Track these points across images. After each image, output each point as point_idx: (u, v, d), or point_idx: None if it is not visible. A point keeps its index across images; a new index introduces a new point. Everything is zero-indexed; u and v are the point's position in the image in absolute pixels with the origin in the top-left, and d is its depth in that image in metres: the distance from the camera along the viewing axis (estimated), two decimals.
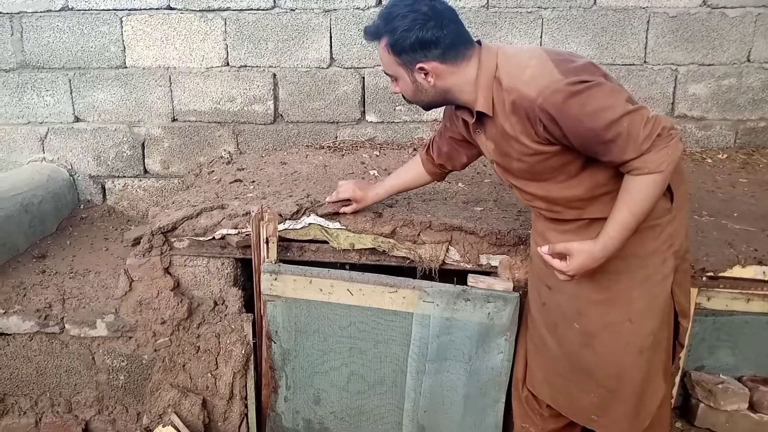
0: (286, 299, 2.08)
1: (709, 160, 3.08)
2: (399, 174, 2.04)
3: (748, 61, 3.09)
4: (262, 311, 2.13)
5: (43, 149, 3.19)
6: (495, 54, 1.46)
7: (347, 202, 2.04)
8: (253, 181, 2.58)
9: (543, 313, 1.73)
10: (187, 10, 3.00)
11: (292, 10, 3.00)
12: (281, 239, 2.11)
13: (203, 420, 2.20)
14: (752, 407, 2.13)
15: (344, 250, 2.13)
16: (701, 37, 3.06)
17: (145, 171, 3.22)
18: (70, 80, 3.09)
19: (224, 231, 2.14)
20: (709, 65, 3.10)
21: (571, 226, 1.57)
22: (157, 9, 3.00)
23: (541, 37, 3.05)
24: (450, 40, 1.44)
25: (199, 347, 2.21)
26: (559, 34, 3.05)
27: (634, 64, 3.10)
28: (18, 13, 3.01)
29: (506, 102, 1.43)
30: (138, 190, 3.24)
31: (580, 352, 1.62)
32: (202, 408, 2.20)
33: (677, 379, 2.10)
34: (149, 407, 2.21)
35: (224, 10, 3.00)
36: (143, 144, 3.18)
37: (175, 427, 2.13)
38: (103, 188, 3.25)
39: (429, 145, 1.93)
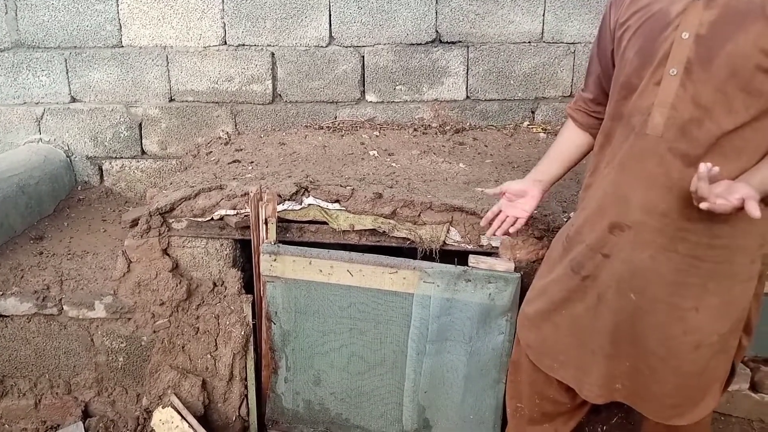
0: (286, 280, 2.06)
1: None
2: (552, 153, 1.75)
3: None
4: (261, 292, 2.11)
5: (40, 130, 3.15)
6: None
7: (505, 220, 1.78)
8: (252, 162, 2.56)
9: (581, 285, 1.56)
10: None
11: None
12: (280, 220, 2.09)
13: (203, 401, 2.20)
14: (753, 387, 2.13)
15: (344, 231, 2.11)
16: None
17: (143, 152, 3.19)
18: (65, 60, 3.05)
19: (223, 212, 2.12)
20: None
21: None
22: None
23: (543, 14, 3.00)
24: None
25: (198, 328, 2.20)
26: (562, 12, 3.00)
27: None
28: None
29: None
30: (136, 171, 3.21)
31: (627, 321, 1.49)
32: (202, 389, 2.20)
33: None
34: (149, 389, 2.21)
35: None
36: (140, 124, 3.14)
37: (175, 409, 2.13)
38: (101, 169, 3.22)
39: (575, 100, 1.73)
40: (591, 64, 1.65)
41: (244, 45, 3.03)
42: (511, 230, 1.78)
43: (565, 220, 1.99)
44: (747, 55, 1.25)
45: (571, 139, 1.72)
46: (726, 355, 1.49)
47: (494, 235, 1.80)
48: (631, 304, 1.48)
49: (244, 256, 2.27)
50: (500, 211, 1.78)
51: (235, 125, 3.14)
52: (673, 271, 1.42)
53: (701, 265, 1.39)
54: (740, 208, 1.22)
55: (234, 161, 2.58)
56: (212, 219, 2.14)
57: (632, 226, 1.44)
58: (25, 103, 3.12)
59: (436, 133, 3.01)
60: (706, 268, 1.39)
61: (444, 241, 2.07)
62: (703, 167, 1.21)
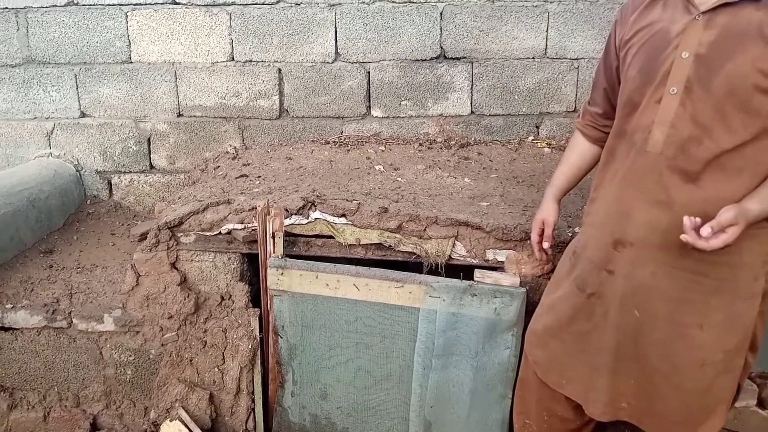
0: (293, 294, 2.08)
1: None
2: (563, 163, 1.80)
3: None
4: (268, 306, 2.13)
5: (50, 144, 3.19)
6: None
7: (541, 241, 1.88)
8: (259, 176, 2.58)
9: (587, 303, 1.57)
10: (192, 4, 2.99)
11: (297, 4, 2.99)
12: (287, 234, 2.11)
13: (210, 415, 2.21)
14: (761, 404, 2.13)
15: (350, 245, 2.13)
16: None
17: (151, 166, 3.22)
18: (75, 75, 3.09)
19: (230, 226, 2.14)
20: None
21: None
22: (162, 4, 3.00)
23: (547, 30, 3.03)
24: None
25: (206, 342, 2.21)
26: (566, 28, 3.03)
27: None
28: (23, 8, 3.01)
29: None
30: (144, 185, 3.24)
31: (630, 338, 1.50)
32: (209, 402, 2.21)
33: None
34: (157, 402, 2.22)
35: (229, 5, 2.99)
36: (149, 139, 3.18)
37: (183, 422, 2.14)
38: (110, 183, 3.25)
39: (582, 113, 1.76)
40: (597, 78, 1.68)
41: (251, 61, 3.07)
42: (546, 245, 1.86)
43: (570, 234, 2.00)
44: (745, 75, 1.27)
45: (582, 153, 1.76)
46: (732, 375, 1.49)
47: (549, 248, 1.88)
48: (634, 321, 1.49)
49: (252, 270, 2.29)
50: (540, 231, 1.85)
51: (243, 140, 3.17)
52: (675, 288, 1.43)
53: (704, 281, 1.40)
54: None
55: (241, 176, 2.61)
56: (220, 233, 2.16)
57: (634, 242, 1.45)
58: (35, 118, 3.16)
59: (441, 148, 3.03)
60: (709, 285, 1.40)
61: (450, 256, 2.08)
62: (687, 221, 1.27)
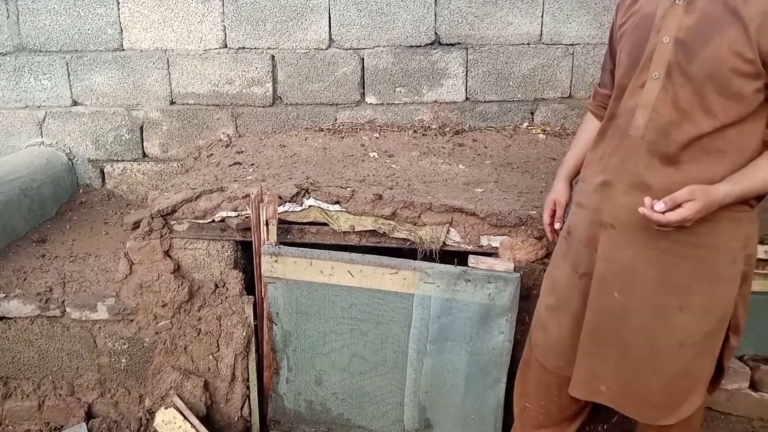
0: (287, 281, 2.07)
1: None
2: (574, 144, 1.79)
3: None
4: (263, 293, 2.13)
5: (41, 133, 3.17)
6: None
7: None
8: (253, 164, 2.57)
9: (579, 283, 1.59)
10: None
11: None
12: (281, 221, 2.10)
13: (205, 402, 2.21)
14: (753, 386, 2.14)
15: (344, 232, 2.12)
16: None
17: (144, 154, 3.20)
18: (67, 63, 3.07)
19: (224, 213, 2.13)
20: None
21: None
22: None
23: (542, 16, 3.01)
24: None
25: (200, 330, 2.21)
26: (561, 13, 3.01)
27: None
28: None
29: None
30: (137, 173, 3.23)
31: (609, 321, 1.51)
32: (204, 390, 2.21)
33: None
34: (151, 389, 2.22)
35: None
36: (142, 127, 3.16)
37: (178, 409, 2.14)
38: (102, 172, 3.23)
39: (593, 95, 1.77)
40: (605, 60, 1.70)
41: (244, 48, 3.04)
42: (558, 225, 1.82)
43: (565, 218, 2.00)
44: (722, 59, 1.28)
45: (593, 132, 1.73)
46: (710, 357, 1.50)
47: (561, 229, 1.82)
48: (615, 303, 1.50)
49: (246, 257, 2.29)
50: (552, 212, 1.82)
51: (236, 128, 3.15)
52: (657, 270, 1.44)
53: (683, 263, 1.42)
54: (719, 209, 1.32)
55: (235, 163, 2.60)
56: (213, 221, 2.16)
57: (615, 224, 1.47)
58: (27, 106, 3.14)
59: (435, 135, 3.02)
60: (689, 267, 1.42)
61: (444, 242, 2.08)
62: (648, 201, 1.31)
